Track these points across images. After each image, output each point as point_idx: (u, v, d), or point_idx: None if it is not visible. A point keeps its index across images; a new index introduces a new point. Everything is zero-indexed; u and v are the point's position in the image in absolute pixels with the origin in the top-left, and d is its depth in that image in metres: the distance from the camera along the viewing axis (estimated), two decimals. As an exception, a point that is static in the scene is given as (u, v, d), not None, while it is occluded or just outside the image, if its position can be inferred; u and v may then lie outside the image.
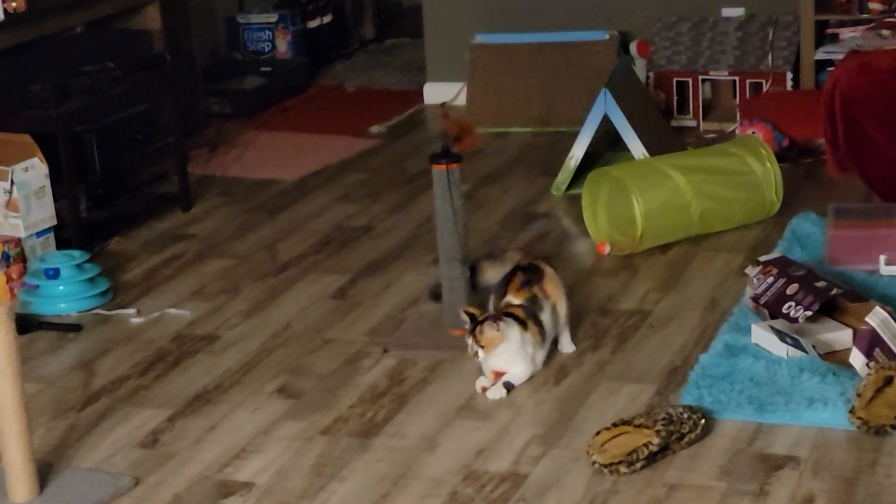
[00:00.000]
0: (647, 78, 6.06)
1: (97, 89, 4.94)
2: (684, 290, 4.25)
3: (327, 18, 7.78)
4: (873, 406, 3.29)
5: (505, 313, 3.63)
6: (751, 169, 4.73)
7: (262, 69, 7.17)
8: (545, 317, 3.70)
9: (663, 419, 3.23)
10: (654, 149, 5.08)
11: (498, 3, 6.53)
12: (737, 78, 5.98)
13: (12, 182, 4.53)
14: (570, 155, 5.21)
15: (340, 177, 5.70)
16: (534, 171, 5.60)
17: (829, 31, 5.97)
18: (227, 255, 4.84)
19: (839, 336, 3.69)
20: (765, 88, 5.92)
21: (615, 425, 3.27)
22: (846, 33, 5.92)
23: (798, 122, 5.48)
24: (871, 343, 3.49)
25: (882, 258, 4.22)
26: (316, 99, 7.10)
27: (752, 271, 3.96)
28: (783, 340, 3.65)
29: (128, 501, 3.19)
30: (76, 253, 4.52)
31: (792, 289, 3.78)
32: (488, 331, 3.56)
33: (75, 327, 4.24)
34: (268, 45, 7.37)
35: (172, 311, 4.33)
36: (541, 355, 3.69)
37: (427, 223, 4.79)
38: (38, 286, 4.41)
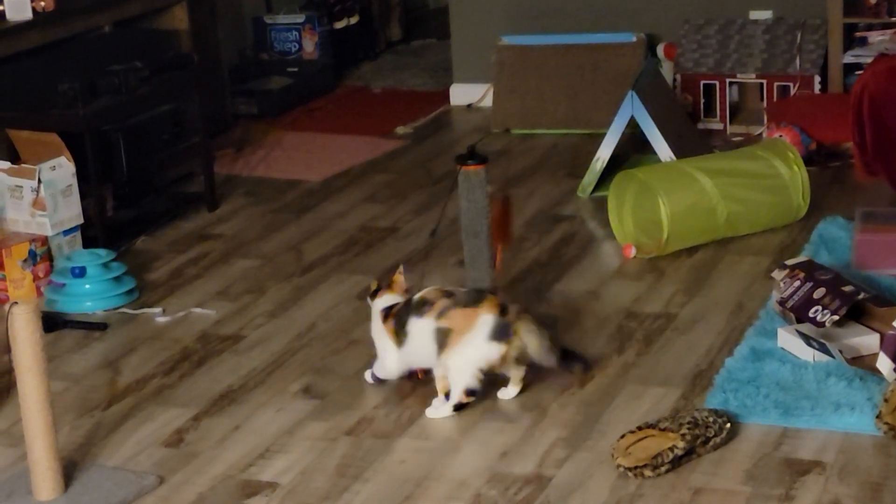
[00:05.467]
0: (674, 80, 6.05)
1: (124, 89, 4.95)
2: (710, 293, 4.24)
3: (354, 19, 7.79)
4: (900, 411, 3.27)
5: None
6: (778, 172, 4.71)
7: (289, 70, 7.18)
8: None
9: (688, 423, 3.22)
10: (680, 151, 5.07)
11: (524, 4, 6.52)
12: (764, 81, 5.96)
13: (39, 181, 4.55)
14: (596, 157, 5.20)
15: (366, 177, 5.71)
16: (560, 172, 5.59)
17: (858, 34, 5.95)
18: (253, 255, 4.85)
19: (866, 341, 3.68)
20: (792, 92, 5.90)
21: (640, 429, 3.26)
22: (875, 37, 5.90)
23: (826, 125, 5.45)
24: (898, 348, 3.47)
25: (910, 263, 4.20)
26: (342, 100, 7.11)
27: (778, 275, 3.94)
28: (809, 345, 3.63)
29: (152, 500, 3.20)
30: (102, 252, 4.53)
31: (819, 293, 3.76)
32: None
33: (101, 326, 4.25)
34: (294, 46, 7.38)
35: (198, 310, 4.34)
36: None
37: (453, 224, 4.79)
38: (64, 284, 4.43)
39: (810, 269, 3.89)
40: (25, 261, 4.49)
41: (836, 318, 3.66)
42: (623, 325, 4.03)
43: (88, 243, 4.72)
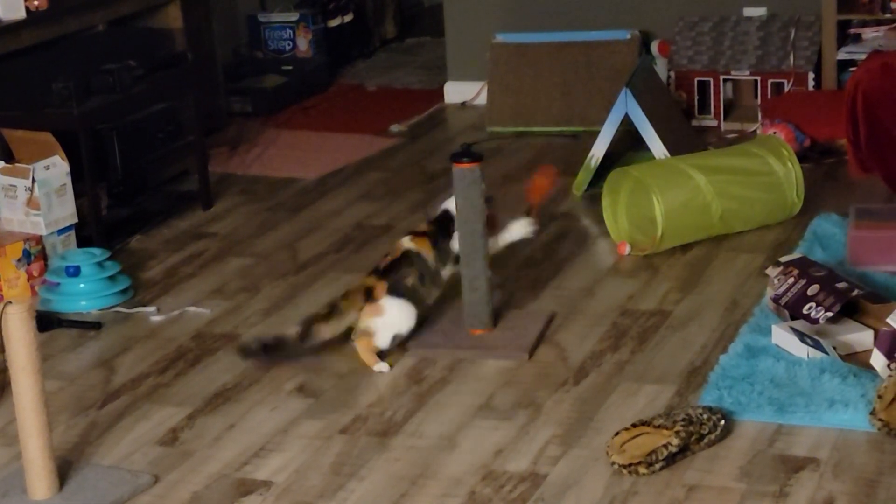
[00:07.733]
0: (669, 78, 6.05)
1: (119, 88, 4.95)
2: (704, 290, 4.24)
3: (348, 17, 7.79)
4: (894, 408, 3.28)
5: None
6: (772, 169, 4.71)
7: (283, 68, 7.18)
8: None
9: (683, 420, 3.23)
10: (675, 149, 5.07)
11: (519, 2, 6.52)
12: (758, 78, 5.96)
13: (33, 180, 4.55)
14: (590, 154, 5.20)
15: (361, 176, 5.71)
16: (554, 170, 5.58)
17: (852, 31, 5.95)
18: (248, 253, 4.85)
19: (860, 337, 3.68)
20: (786, 88, 5.90)
21: (634, 426, 3.26)
22: (868, 33, 5.91)
23: (820, 122, 5.46)
24: (892, 344, 3.48)
25: (904, 259, 4.20)
26: (336, 98, 7.11)
27: (772, 272, 3.95)
28: (804, 341, 3.64)
29: (147, 499, 3.20)
30: (97, 251, 4.53)
31: (813, 290, 3.76)
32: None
33: (96, 325, 4.25)
34: (289, 44, 7.38)
35: (192, 309, 4.34)
36: None
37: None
38: (58, 284, 4.43)
39: (804, 266, 3.89)
40: (20, 260, 4.48)
41: (830, 314, 3.67)
42: (617, 323, 4.03)
43: (83, 242, 4.72)
